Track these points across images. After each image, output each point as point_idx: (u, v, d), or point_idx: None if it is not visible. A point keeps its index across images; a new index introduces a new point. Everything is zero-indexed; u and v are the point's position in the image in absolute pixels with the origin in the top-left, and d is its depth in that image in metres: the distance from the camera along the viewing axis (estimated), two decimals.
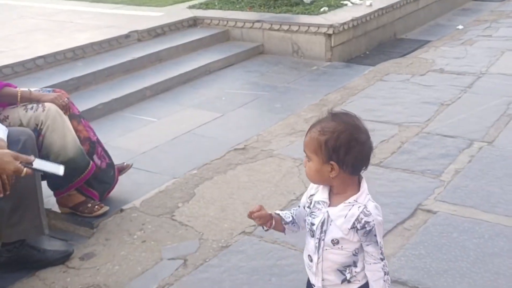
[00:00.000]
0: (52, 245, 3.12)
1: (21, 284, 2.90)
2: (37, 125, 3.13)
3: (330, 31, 6.29)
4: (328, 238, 1.81)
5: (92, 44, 5.88)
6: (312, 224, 1.84)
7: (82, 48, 5.79)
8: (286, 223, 1.95)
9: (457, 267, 2.76)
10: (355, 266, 1.83)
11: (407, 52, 6.78)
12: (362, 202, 1.78)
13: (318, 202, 1.84)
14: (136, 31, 6.36)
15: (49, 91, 3.39)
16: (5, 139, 2.78)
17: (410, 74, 5.71)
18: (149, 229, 3.25)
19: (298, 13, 6.89)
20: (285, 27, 6.54)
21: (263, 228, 1.95)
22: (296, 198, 3.48)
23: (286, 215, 1.96)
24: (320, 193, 1.85)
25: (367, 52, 6.91)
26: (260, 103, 5.29)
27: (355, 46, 6.72)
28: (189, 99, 5.36)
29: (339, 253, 1.83)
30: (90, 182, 3.42)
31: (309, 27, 6.41)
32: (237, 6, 7.45)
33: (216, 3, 7.61)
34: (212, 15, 7.07)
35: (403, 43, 7.35)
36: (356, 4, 7.26)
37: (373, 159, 3.85)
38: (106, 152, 3.58)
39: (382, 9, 7.09)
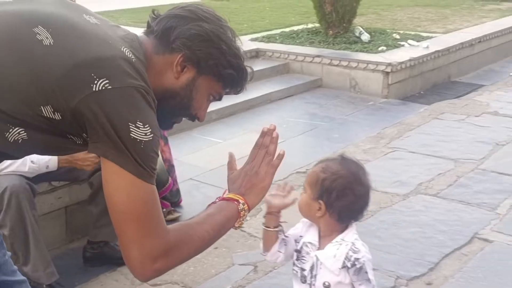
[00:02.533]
0: None
1: (105, 277, 3.18)
2: None
3: (388, 69, 6.55)
4: (319, 282, 1.80)
5: None
6: (303, 270, 1.84)
7: None
8: (278, 239, 1.90)
9: None
10: None
11: (461, 94, 6.95)
12: (349, 240, 1.79)
13: (306, 245, 1.85)
14: None
15: None
16: None
17: (465, 114, 5.89)
18: None
19: (356, 51, 7.18)
20: (344, 63, 6.83)
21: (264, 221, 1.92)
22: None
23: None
24: (310, 235, 1.85)
25: (422, 92, 7.12)
26: (319, 132, 5.55)
27: (411, 85, 6.95)
28: (252, 124, 5.66)
29: None
30: (165, 197, 3.73)
31: (367, 64, 6.68)
32: (297, 41, 7.78)
33: (277, 37, 7.96)
34: (274, 48, 7.42)
35: (457, 86, 7.53)
36: (413, 45, 7.50)
37: (430, 190, 4.07)
38: (175, 179, 3.90)
39: (438, 51, 7.31)
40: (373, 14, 10.65)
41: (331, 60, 6.92)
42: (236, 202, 1.54)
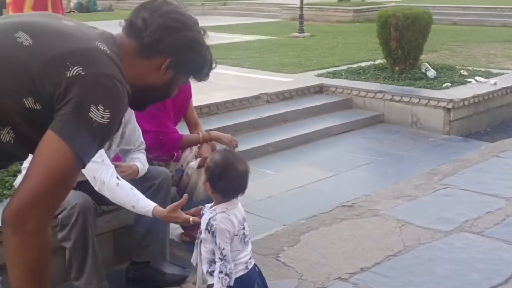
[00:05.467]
0: (171, 270, 3.59)
1: None
2: (182, 166, 3.71)
3: (450, 106, 6.50)
4: (200, 237, 2.46)
5: (225, 102, 6.52)
6: None
7: (217, 105, 6.43)
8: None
9: None
10: (215, 263, 2.41)
11: None
12: (217, 211, 2.40)
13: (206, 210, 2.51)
14: (266, 94, 6.95)
15: None
16: (141, 171, 3.34)
17: None
18: None
19: (420, 87, 7.16)
20: (406, 99, 6.84)
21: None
22: (393, 254, 3.71)
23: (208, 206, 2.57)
24: (209, 204, 2.53)
25: (488, 129, 6.98)
26: (373, 167, 5.59)
27: (475, 122, 6.85)
28: (307, 157, 5.78)
29: (204, 250, 2.45)
30: None
31: (429, 100, 6.66)
32: (362, 77, 7.86)
33: (343, 73, 8.08)
34: (338, 84, 7.54)
35: None
36: (480, 82, 7.40)
37: (474, 228, 4.02)
38: None
39: (506, 88, 7.17)
40: (447, 50, 10.56)
41: (393, 95, 6.95)
42: None
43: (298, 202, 4.66)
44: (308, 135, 6.28)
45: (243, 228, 2.50)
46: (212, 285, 2.42)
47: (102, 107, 1.50)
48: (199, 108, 6.22)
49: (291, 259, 3.69)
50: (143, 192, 3.16)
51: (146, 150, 3.63)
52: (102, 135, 1.55)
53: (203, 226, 2.42)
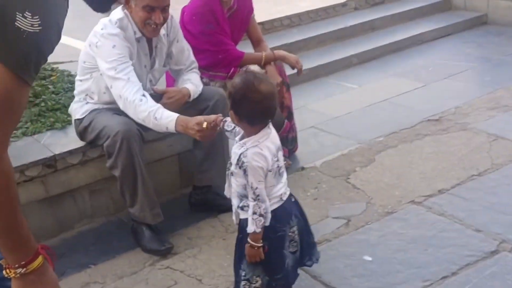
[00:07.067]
0: None
1: (204, 222, 3.26)
2: None
3: None
4: (231, 169, 2.22)
5: (308, 12, 6.08)
6: None
7: (299, 15, 6.02)
8: (226, 130, 2.42)
9: None
10: (247, 198, 2.17)
11: None
12: (248, 145, 2.13)
13: (237, 141, 2.25)
14: (354, 0, 6.42)
15: None
16: (194, 93, 3.14)
17: None
18: (323, 188, 3.40)
19: None
20: None
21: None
22: (478, 174, 3.33)
23: (230, 125, 2.37)
24: (239, 135, 2.26)
25: None
26: (469, 75, 5.04)
27: None
28: (394, 68, 5.32)
29: (234, 183, 2.21)
30: (282, 140, 3.67)
31: None
32: None
33: None
34: None
35: None
36: None
37: None
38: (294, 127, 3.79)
39: None
40: None
41: None
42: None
43: (379, 117, 4.29)
44: (398, 43, 5.76)
45: (277, 160, 2.21)
46: (244, 219, 2.22)
47: (30, 14, 1.29)
48: (280, 20, 5.89)
49: (362, 181, 3.42)
50: (197, 115, 2.97)
51: (202, 69, 3.43)
52: (37, 46, 1.34)
53: (233, 160, 2.17)
